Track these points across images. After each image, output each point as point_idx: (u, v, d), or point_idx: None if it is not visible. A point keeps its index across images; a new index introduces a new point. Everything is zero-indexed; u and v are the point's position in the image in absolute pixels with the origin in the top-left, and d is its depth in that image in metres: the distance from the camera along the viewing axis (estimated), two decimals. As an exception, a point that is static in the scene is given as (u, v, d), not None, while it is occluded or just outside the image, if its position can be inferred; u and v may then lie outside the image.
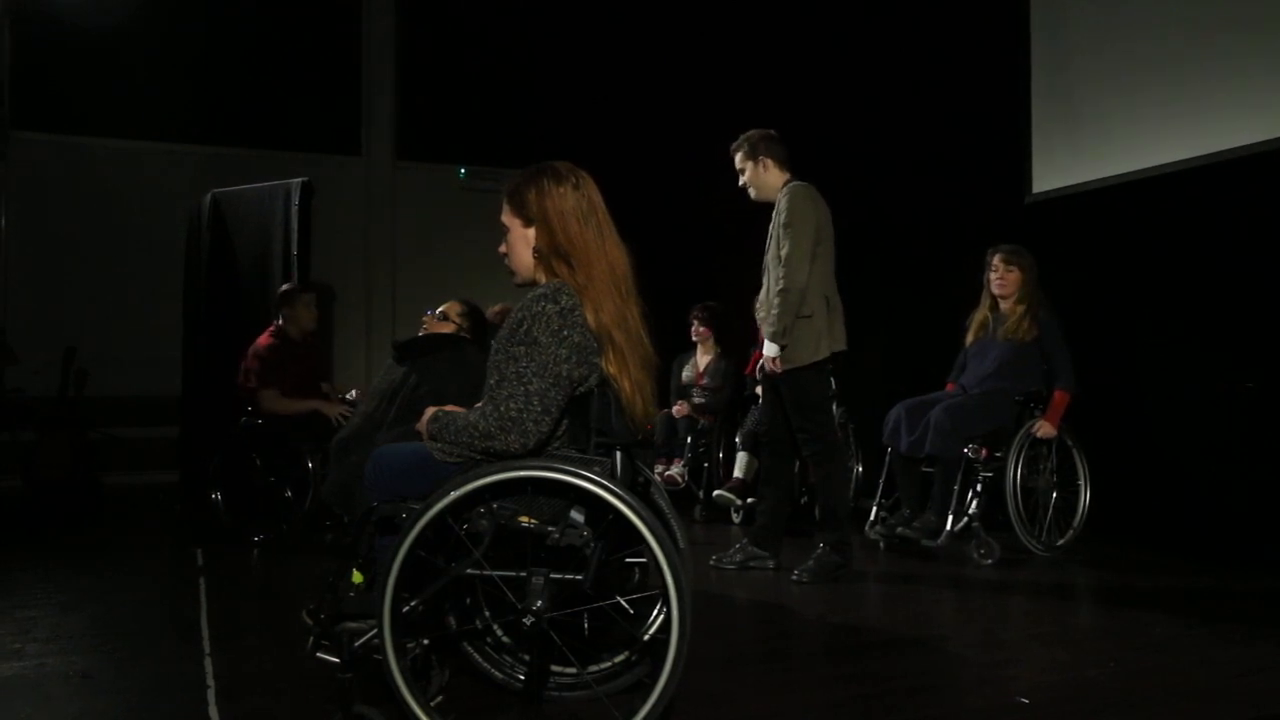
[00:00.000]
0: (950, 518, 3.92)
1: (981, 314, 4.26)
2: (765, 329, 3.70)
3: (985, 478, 3.97)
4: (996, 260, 4.18)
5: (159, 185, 6.96)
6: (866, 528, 4.25)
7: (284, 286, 4.81)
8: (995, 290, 4.19)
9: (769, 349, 3.68)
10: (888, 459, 4.24)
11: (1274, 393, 3.74)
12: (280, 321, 4.69)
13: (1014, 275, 4.13)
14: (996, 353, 4.11)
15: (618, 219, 2.09)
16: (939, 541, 3.91)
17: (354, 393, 4.91)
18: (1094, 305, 4.51)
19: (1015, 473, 3.94)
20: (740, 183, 3.84)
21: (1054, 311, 4.15)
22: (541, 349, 1.90)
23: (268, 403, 4.47)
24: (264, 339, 4.62)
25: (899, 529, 4.01)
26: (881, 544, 4.21)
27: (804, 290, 3.59)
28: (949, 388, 4.30)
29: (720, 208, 3.99)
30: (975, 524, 3.93)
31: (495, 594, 2.13)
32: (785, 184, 3.74)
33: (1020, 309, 4.11)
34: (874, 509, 4.31)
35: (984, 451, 3.94)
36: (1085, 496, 4.15)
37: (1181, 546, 4.06)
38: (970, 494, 3.97)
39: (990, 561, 3.86)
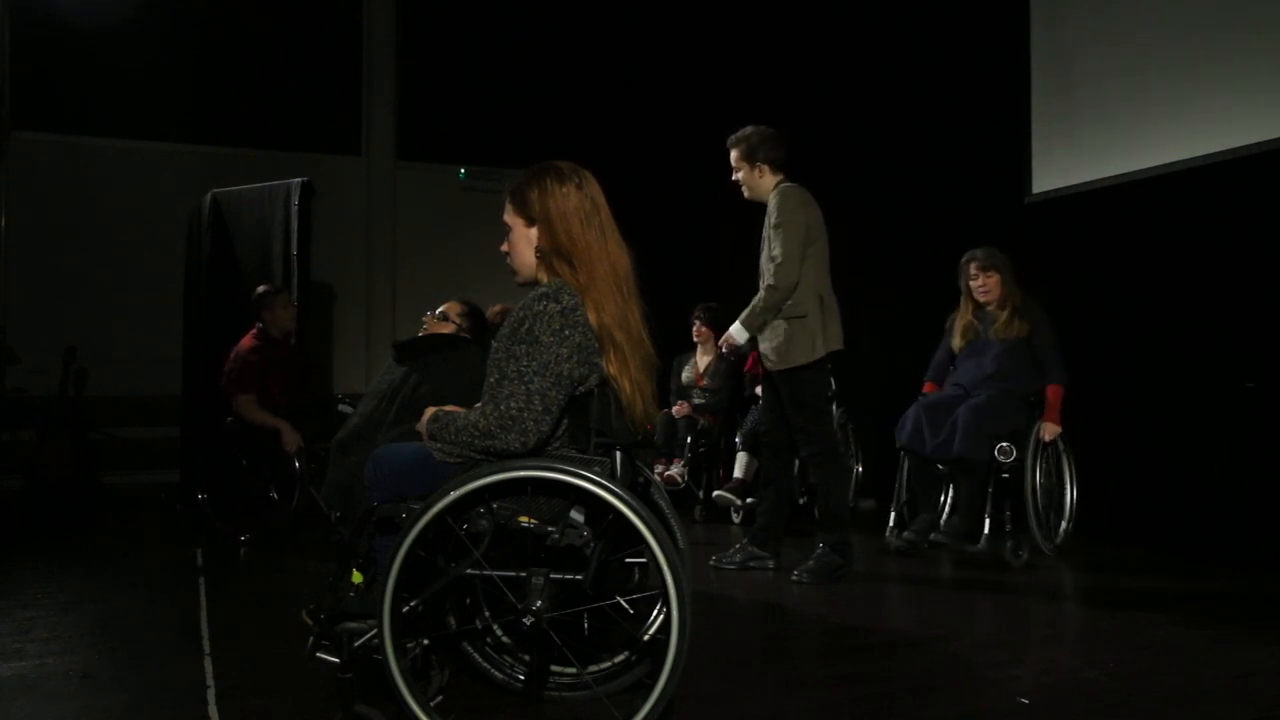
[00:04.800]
0: (987, 520, 3.87)
1: (966, 318, 4.19)
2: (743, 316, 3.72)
3: (1003, 479, 3.94)
4: (973, 268, 4.12)
5: (159, 185, 6.96)
6: (888, 534, 4.08)
7: (260, 289, 4.78)
8: (979, 297, 4.13)
9: (735, 330, 3.71)
10: (904, 462, 4.11)
11: (1274, 393, 3.74)
12: (261, 325, 4.67)
13: (994, 279, 4.10)
14: (995, 353, 4.06)
15: (618, 219, 2.09)
16: (980, 545, 3.83)
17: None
18: (1094, 305, 4.51)
19: (1035, 473, 3.91)
20: (734, 177, 3.84)
21: (1037, 305, 4.12)
22: (543, 348, 1.90)
23: (241, 408, 4.45)
24: (246, 341, 4.60)
25: (932, 535, 3.91)
26: (909, 551, 4.04)
27: (791, 290, 3.60)
28: (928, 388, 4.23)
29: (720, 208, 3.99)
30: (1009, 525, 3.89)
31: (495, 594, 2.13)
32: (777, 186, 3.75)
33: (1007, 311, 4.08)
34: (892, 514, 4.13)
35: (1014, 452, 3.87)
36: (1073, 494, 4.15)
37: (1182, 546, 4.06)
38: (997, 495, 3.93)
39: (1022, 560, 3.82)
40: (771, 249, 3.64)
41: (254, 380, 4.48)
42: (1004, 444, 3.83)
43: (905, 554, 4.05)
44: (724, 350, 3.90)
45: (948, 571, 3.83)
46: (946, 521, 3.95)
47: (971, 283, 4.15)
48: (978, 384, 4.06)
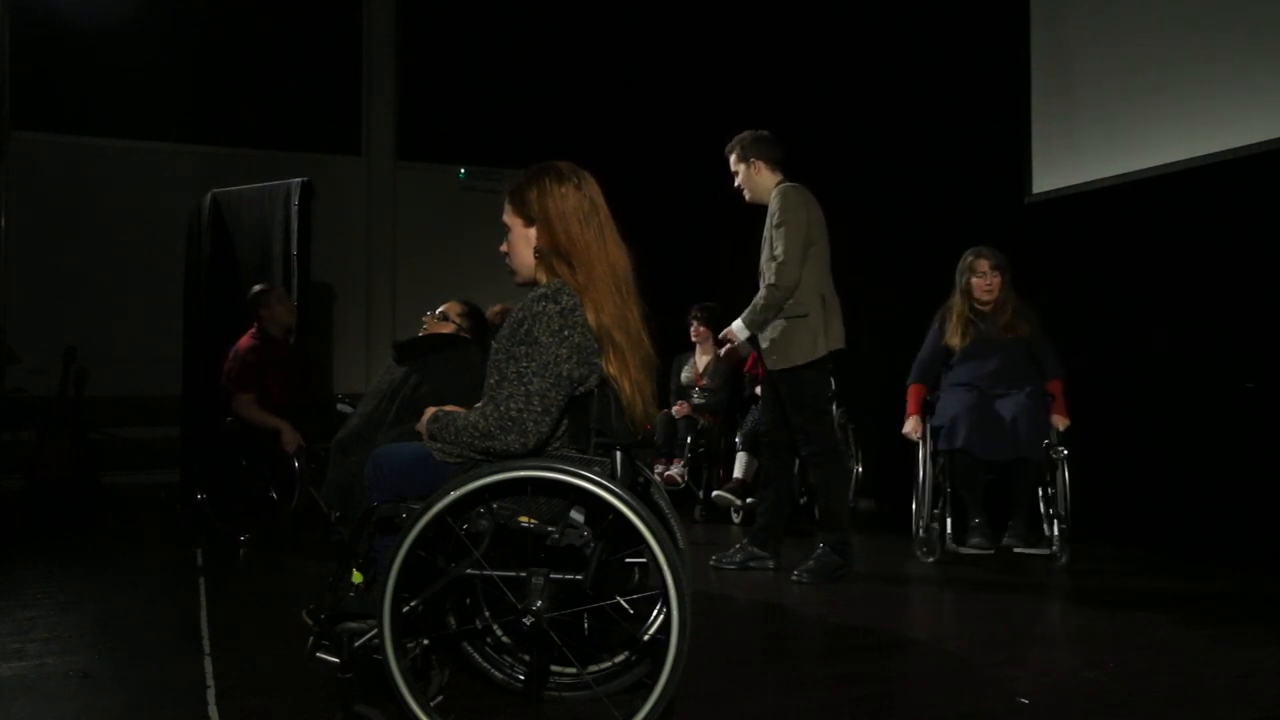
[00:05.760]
0: (1055, 521, 3.85)
1: (965, 315, 4.09)
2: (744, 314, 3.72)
3: (1047, 477, 3.91)
4: (985, 265, 4.05)
5: (159, 185, 6.95)
6: (950, 543, 3.89)
7: (255, 288, 4.77)
8: (982, 295, 4.07)
9: (736, 326, 3.72)
10: (938, 466, 3.99)
11: (1275, 393, 3.74)
12: (259, 323, 4.66)
13: (998, 279, 4.08)
14: (1004, 351, 3.99)
15: (618, 219, 2.09)
16: (1054, 548, 3.80)
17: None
18: (1094, 305, 4.51)
19: (1067, 471, 3.89)
20: (735, 184, 3.86)
21: (1029, 305, 4.10)
22: (542, 349, 1.90)
23: (242, 408, 4.44)
24: (245, 340, 4.59)
25: (1004, 540, 3.79)
26: (976, 560, 3.92)
27: (792, 289, 3.61)
28: (916, 390, 4.14)
29: (720, 208, 4.00)
30: (1065, 525, 3.84)
31: (495, 594, 2.13)
32: (778, 185, 3.75)
33: (1009, 311, 4.04)
34: (949, 520, 3.96)
35: (1063, 450, 3.83)
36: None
37: (1181, 546, 4.06)
38: (1055, 495, 3.90)
39: (1065, 560, 3.80)
40: (774, 248, 3.64)
41: (254, 379, 4.48)
42: (1058, 445, 3.84)
43: (936, 561, 3.96)
44: (722, 352, 3.90)
45: (947, 572, 3.83)
46: (1012, 525, 3.83)
47: (978, 279, 4.06)
48: (992, 382, 3.96)
